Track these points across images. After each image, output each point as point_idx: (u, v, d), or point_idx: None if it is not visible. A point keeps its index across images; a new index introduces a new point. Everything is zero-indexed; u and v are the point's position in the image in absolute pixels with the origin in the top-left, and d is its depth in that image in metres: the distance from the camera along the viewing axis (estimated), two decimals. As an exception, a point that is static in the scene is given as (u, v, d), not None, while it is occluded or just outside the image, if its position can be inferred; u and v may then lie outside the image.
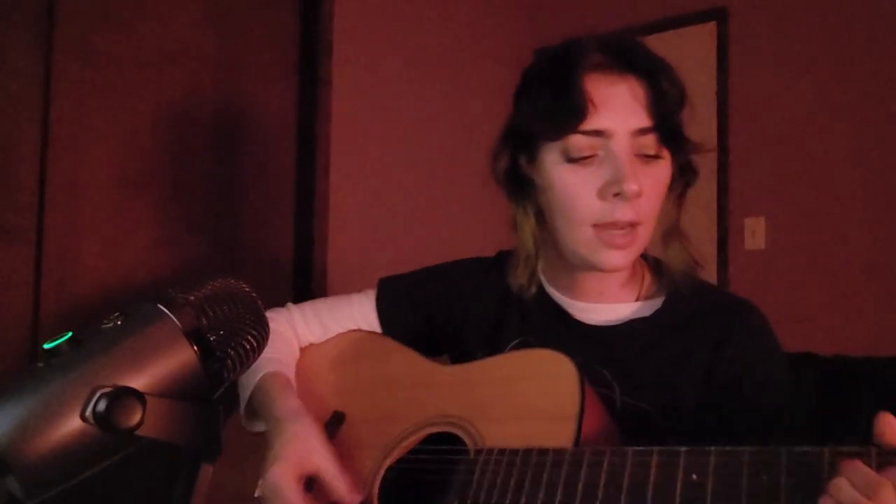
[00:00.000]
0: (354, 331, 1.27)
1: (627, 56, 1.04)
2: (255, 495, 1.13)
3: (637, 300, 1.13)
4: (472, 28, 3.06)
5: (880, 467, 0.72)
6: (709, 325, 1.08)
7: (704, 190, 2.99)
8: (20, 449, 0.58)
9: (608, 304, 1.12)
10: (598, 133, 1.02)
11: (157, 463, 1.31)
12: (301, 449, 1.03)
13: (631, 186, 1.00)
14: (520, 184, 1.12)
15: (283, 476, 1.01)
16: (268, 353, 1.18)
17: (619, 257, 1.04)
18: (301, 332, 1.28)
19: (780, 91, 2.89)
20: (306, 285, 2.54)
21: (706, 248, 2.97)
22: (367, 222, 2.72)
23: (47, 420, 0.59)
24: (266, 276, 2.49)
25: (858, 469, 0.72)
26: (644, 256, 1.15)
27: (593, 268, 1.07)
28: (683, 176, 1.11)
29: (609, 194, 1.02)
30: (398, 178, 2.82)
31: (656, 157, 1.04)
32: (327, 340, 1.28)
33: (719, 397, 1.03)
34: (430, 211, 2.87)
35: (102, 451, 0.61)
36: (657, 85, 1.03)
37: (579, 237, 1.05)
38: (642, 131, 1.02)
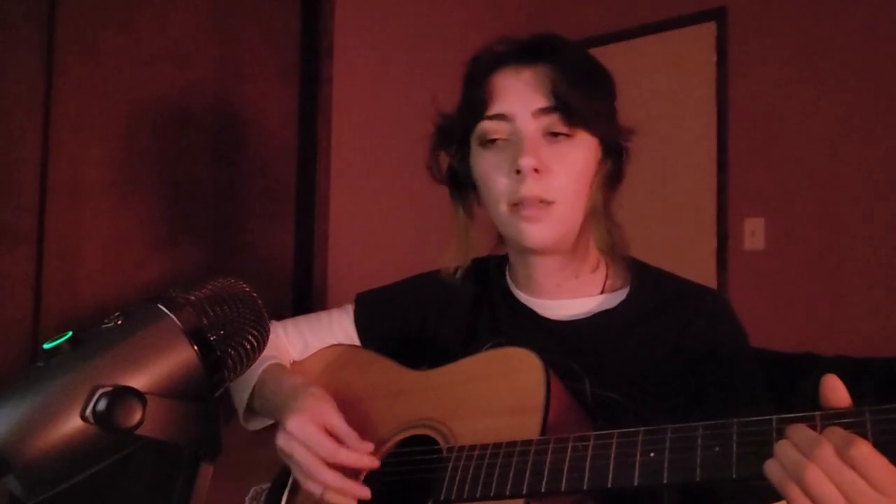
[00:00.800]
0: (335, 345, 1.30)
1: (532, 48, 1.11)
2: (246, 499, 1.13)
3: (601, 293, 1.15)
4: (474, 29, 3.06)
5: (824, 430, 0.74)
6: (673, 313, 1.11)
7: (704, 190, 2.99)
8: (20, 448, 0.58)
9: (573, 300, 1.15)
10: (501, 117, 1.09)
11: (157, 463, 1.32)
12: (317, 405, 1.05)
13: (525, 161, 1.05)
14: (456, 183, 1.21)
15: (305, 423, 1.03)
16: (264, 352, 1.20)
17: (536, 231, 1.07)
18: (284, 345, 1.30)
19: (779, 91, 2.89)
20: (306, 286, 2.55)
21: (705, 248, 2.98)
22: (368, 224, 2.72)
23: (47, 420, 0.59)
24: (266, 276, 2.50)
25: (799, 430, 0.74)
26: (596, 223, 1.16)
27: (522, 247, 1.11)
28: (611, 157, 1.13)
29: (512, 171, 1.07)
30: (399, 180, 2.82)
31: (567, 135, 1.07)
32: (309, 356, 1.30)
33: (685, 378, 1.06)
34: (430, 213, 2.87)
35: (102, 450, 0.61)
36: (560, 69, 1.08)
37: (500, 217, 1.11)
38: (543, 111, 1.07)
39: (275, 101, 2.54)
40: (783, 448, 0.74)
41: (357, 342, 1.29)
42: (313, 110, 2.59)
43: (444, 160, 1.23)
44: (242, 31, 2.45)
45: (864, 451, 0.70)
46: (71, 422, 0.60)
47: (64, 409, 0.60)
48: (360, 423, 1.12)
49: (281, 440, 1.04)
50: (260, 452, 1.21)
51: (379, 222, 2.76)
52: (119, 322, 0.65)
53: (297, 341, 1.30)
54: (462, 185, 1.20)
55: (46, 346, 0.63)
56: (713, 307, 1.12)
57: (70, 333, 0.63)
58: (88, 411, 0.59)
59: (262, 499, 1.16)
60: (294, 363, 1.30)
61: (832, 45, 2.79)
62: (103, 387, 0.60)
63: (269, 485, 1.17)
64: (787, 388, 1.08)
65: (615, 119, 1.13)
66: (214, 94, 2.38)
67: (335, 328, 1.30)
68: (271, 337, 1.26)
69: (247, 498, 1.18)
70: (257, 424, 1.23)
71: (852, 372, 1.46)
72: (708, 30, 3.04)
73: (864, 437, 0.72)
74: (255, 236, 2.47)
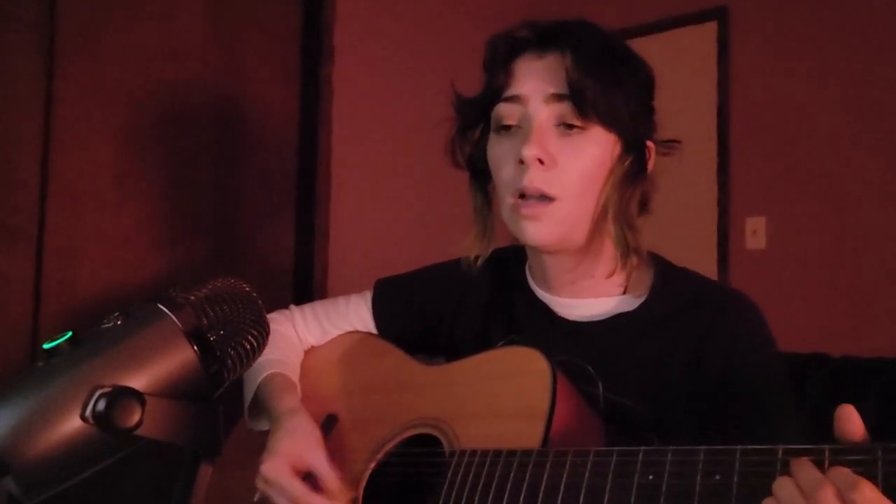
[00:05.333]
0: (352, 333, 1.29)
1: (553, 34, 1.07)
2: (255, 496, 1.13)
3: (623, 294, 1.11)
4: (475, 30, 3.05)
5: (832, 466, 0.70)
6: (694, 318, 1.06)
7: (705, 190, 2.99)
8: (20, 449, 0.58)
9: (591, 299, 1.11)
10: (515, 98, 1.06)
11: (157, 463, 1.32)
12: (295, 444, 1.05)
13: (528, 151, 1.01)
14: (475, 170, 1.17)
15: (278, 469, 1.03)
16: (272, 353, 1.21)
17: (535, 229, 1.04)
18: (302, 333, 1.31)
19: (780, 90, 2.89)
20: (307, 287, 2.54)
21: (707, 247, 2.97)
22: (369, 224, 2.72)
23: (47, 420, 0.59)
24: (266, 277, 2.49)
25: (803, 467, 0.71)
26: (612, 224, 1.11)
27: (524, 242, 1.08)
28: (631, 154, 1.07)
29: (518, 161, 1.03)
30: (400, 180, 2.82)
31: (580, 128, 1.03)
32: (325, 344, 1.30)
33: (707, 389, 1.02)
34: (431, 213, 2.87)
35: (102, 450, 0.61)
36: (578, 56, 1.03)
37: (505, 209, 1.08)
38: (556, 97, 1.03)
39: (275, 100, 2.54)
40: (783, 486, 0.71)
41: (374, 329, 1.28)
42: (314, 110, 2.59)
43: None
44: (243, 30, 2.44)
45: (866, 494, 0.66)
46: (70, 422, 0.59)
47: (63, 410, 0.60)
48: (368, 417, 1.12)
49: (259, 482, 1.06)
50: None
51: (379, 222, 2.76)
52: (119, 322, 0.65)
53: (315, 328, 1.30)
54: (481, 172, 1.16)
55: (46, 346, 0.62)
56: (736, 314, 1.06)
57: (70, 333, 0.63)
58: (88, 412, 0.59)
59: None
60: (311, 349, 1.30)
61: (833, 45, 2.79)
62: (103, 387, 0.60)
63: None
64: (794, 388, 1.06)
65: (640, 113, 1.07)
66: (215, 93, 2.38)
67: (352, 315, 1.29)
68: (286, 325, 1.29)
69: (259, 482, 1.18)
70: (261, 426, 1.23)
71: (860, 373, 1.45)
72: (708, 30, 3.04)
73: (874, 475, 0.68)
74: (255, 236, 2.47)
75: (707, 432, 0.83)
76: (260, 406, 1.19)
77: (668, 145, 1.12)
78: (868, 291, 2.66)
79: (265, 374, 1.18)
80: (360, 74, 2.71)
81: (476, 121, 1.14)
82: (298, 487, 1.02)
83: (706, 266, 2.92)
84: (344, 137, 2.64)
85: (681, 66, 3.05)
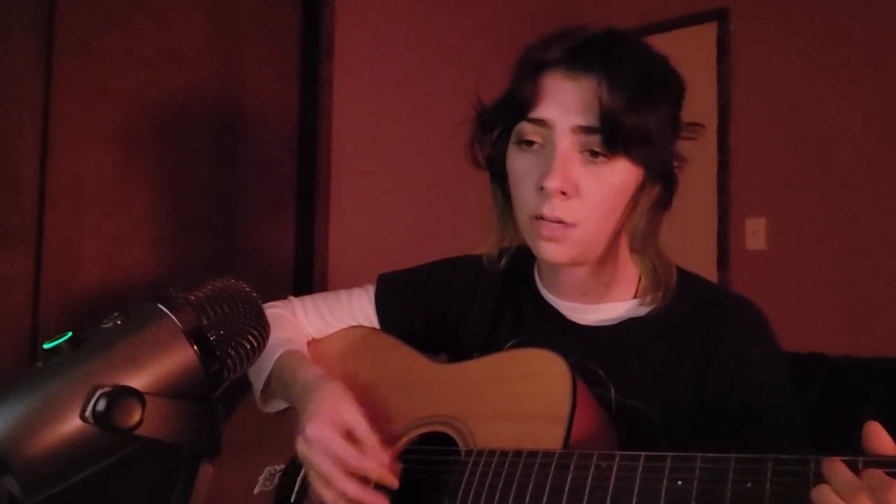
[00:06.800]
0: (355, 327, 1.28)
1: (590, 55, 1.02)
2: (255, 489, 1.13)
3: (633, 299, 1.11)
4: (475, 29, 3.05)
5: (864, 472, 0.71)
6: (704, 323, 1.06)
7: (705, 190, 2.99)
8: (19, 448, 0.58)
9: (601, 305, 1.11)
10: (540, 122, 1.02)
11: (158, 463, 1.32)
12: (334, 407, 1.04)
13: (550, 182, 0.98)
14: (494, 169, 1.14)
15: (324, 429, 1.01)
16: (281, 334, 1.20)
17: (551, 249, 1.02)
18: (302, 323, 1.29)
19: (780, 91, 2.89)
20: (307, 286, 2.54)
21: (707, 248, 2.98)
22: (369, 223, 2.72)
23: (47, 420, 0.59)
24: (266, 276, 2.49)
25: (839, 471, 0.71)
26: (640, 254, 1.11)
27: (540, 259, 1.08)
28: (655, 185, 1.05)
29: (539, 186, 1.01)
30: (400, 179, 2.82)
31: (605, 156, 1.00)
32: (327, 337, 1.29)
33: (715, 397, 1.02)
34: (430, 213, 2.87)
35: (102, 450, 0.61)
36: (612, 85, 0.99)
37: (522, 225, 1.07)
38: (584, 129, 0.99)
39: (275, 101, 2.54)
40: (823, 495, 0.71)
41: (376, 324, 1.27)
42: (314, 111, 2.59)
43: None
44: (243, 31, 2.45)
45: None
46: (70, 422, 0.59)
47: (63, 410, 0.59)
48: (377, 412, 1.10)
49: (301, 446, 1.03)
50: (275, 433, 1.20)
51: (379, 222, 2.76)
52: (118, 322, 0.65)
53: (317, 321, 1.29)
54: (501, 174, 1.12)
55: (46, 346, 0.62)
56: (745, 321, 1.06)
57: (70, 334, 0.63)
58: (88, 411, 0.59)
59: (276, 481, 1.15)
60: (313, 342, 1.29)
61: (833, 45, 2.79)
62: (103, 387, 0.60)
63: (283, 467, 1.16)
64: (793, 388, 1.06)
65: (668, 141, 1.05)
66: (215, 94, 2.38)
67: (355, 309, 1.28)
68: (288, 315, 1.28)
69: (260, 478, 1.18)
70: (274, 407, 1.22)
71: (859, 373, 1.45)
72: (708, 30, 3.04)
73: None
74: (255, 236, 2.47)
75: (716, 438, 0.82)
76: (277, 383, 1.18)
77: (694, 129, 1.11)
78: (868, 292, 2.67)
79: (280, 353, 1.17)
80: (360, 74, 2.71)
81: (495, 127, 1.11)
82: (345, 446, 1.00)
83: (706, 266, 2.92)
84: (343, 137, 2.64)
85: (681, 67, 3.05)
